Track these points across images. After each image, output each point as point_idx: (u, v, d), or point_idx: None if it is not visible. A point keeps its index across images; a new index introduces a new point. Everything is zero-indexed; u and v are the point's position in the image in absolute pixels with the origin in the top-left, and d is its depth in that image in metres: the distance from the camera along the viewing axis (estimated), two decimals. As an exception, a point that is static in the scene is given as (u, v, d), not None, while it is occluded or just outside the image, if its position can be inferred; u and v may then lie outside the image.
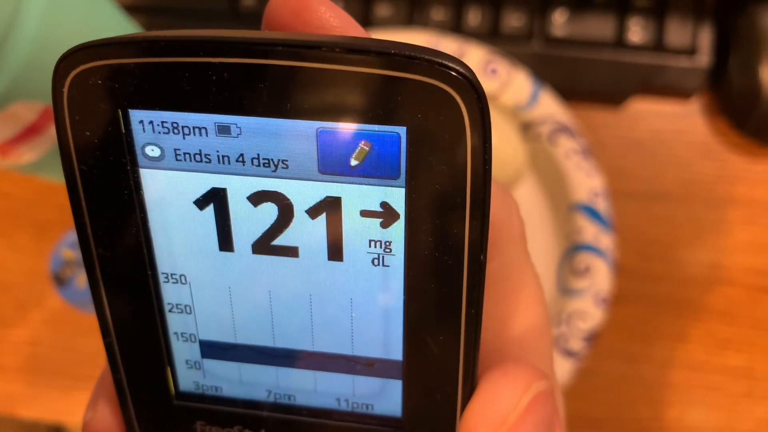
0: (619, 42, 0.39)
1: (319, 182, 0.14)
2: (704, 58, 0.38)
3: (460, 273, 0.14)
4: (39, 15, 0.25)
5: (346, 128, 0.13)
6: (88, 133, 0.14)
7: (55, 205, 0.42)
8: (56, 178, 0.35)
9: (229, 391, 0.17)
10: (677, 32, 0.38)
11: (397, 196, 0.14)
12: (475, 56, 0.36)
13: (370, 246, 0.14)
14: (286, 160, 0.14)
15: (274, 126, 0.14)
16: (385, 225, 0.14)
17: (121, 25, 0.32)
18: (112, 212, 0.15)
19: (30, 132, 0.28)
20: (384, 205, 0.14)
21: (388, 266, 0.15)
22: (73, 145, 0.14)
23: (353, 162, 0.14)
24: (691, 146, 0.39)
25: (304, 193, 0.14)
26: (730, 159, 0.39)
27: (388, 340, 0.15)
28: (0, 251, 0.42)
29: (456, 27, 0.39)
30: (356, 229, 0.14)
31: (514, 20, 0.39)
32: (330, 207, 0.14)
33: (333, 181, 0.14)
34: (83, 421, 0.17)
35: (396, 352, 0.15)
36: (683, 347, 0.38)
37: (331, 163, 0.14)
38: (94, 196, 0.15)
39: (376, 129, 0.13)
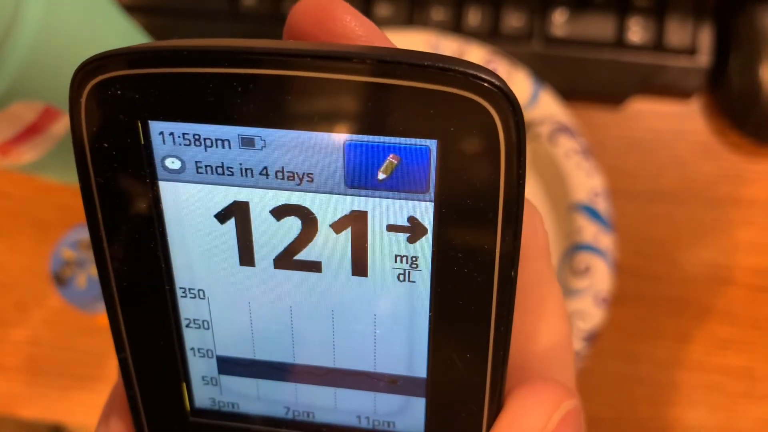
0: (619, 42, 0.38)
1: (345, 196, 0.14)
2: (704, 58, 0.38)
3: (490, 289, 0.14)
4: (39, 15, 0.25)
5: (375, 141, 0.13)
6: (105, 145, 0.14)
7: (55, 205, 0.42)
8: (56, 178, 0.35)
9: (246, 407, 0.16)
10: (677, 32, 0.38)
11: (425, 211, 0.13)
12: (475, 56, 0.36)
13: (396, 261, 0.14)
14: (312, 174, 0.13)
15: (300, 139, 0.13)
16: (412, 240, 0.14)
17: (122, 25, 0.32)
18: (130, 225, 0.14)
19: (30, 132, 0.28)
20: (411, 219, 0.14)
21: (414, 282, 0.14)
22: (90, 156, 0.14)
23: (381, 175, 0.13)
24: (691, 146, 0.39)
25: (329, 206, 0.14)
26: (730, 159, 0.39)
27: (412, 357, 0.15)
28: (0, 251, 0.42)
29: (456, 27, 0.39)
30: (382, 244, 0.14)
31: (514, 20, 0.39)
32: (355, 221, 0.14)
33: (359, 195, 0.14)
34: None
35: (420, 370, 0.15)
36: (683, 347, 0.38)
37: (358, 177, 0.13)
38: (111, 208, 0.14)
39: (406, 142, 0.13)
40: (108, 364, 0.40)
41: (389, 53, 0.13)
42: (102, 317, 0.37)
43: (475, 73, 0.12)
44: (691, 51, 0.38)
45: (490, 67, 0.35)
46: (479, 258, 0.14)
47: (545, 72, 0.38)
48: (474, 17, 0.39)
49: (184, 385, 0.16)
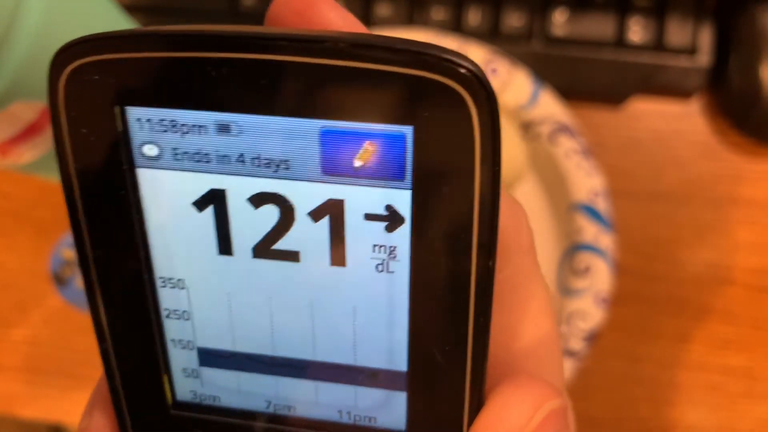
0: (620, 42, 0.38)
1: (322, 184, 0.13)
2: (704, 57, 0.38)
3: (468, 280, 0.13)
4: (39, 14, 0.25)
5: (351, 127, 0.13)
6: (84, 131, 0.14)
7: (55, 204, 0.42)
8: (56, 178, 0.35)
9: (227, 400, 0.16)
10: (677, 32, 0.38)
11: (402, 199, 0.13)
12: (475, 56, 0.36)
13: (374, 251, 0.14)
14: (288, 161, 0.13)
15: (276, 124, 0.13)
16: (390, 229, 0.14)
17: (122, 25, 0.32)
18: (109, 212, 0.14)
19: (30, 132, 0.28)
20: (389, 208, 0.13)
21: (392, 272, 0.14)
22: (69, 142, 0.14)
23: (357, 163, 0.13)
24: (692, 146, 0.39)
25: (306, 194, 0.14)
26: (730, 158, 0.39)
27: (392, 350, 0.15)
28: (0, 251, 0.42)
29: (456, 27, 0.39)
30: (360, 234, 0.14)
31: (514, 20, 0.39)
32: (333, 210, 0.14)
33: (336, 183, 0.13)
34: (78, 429, 0.16)
35: (401, 363, 0.15)
36: (683, 347, 0.38)
37: (335, 164, 0.13)
38: (90, 195, 0.14)
39: (382, 128, 0.13)
40: (108, 364, 0.40)
41: (362, 38, 0.12)
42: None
43: (449, 57, 0.12)
44: (692, 51, 0.38)
45: (490, 66, 0.35)
46: (456, 248, 0.13)
47: (545, 72, 0.38)
48: (474, 17, 0.39)
49: (166, 377, 0.16)
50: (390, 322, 0.14)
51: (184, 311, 0.15)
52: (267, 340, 0.15)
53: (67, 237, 0.35)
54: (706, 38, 0.38)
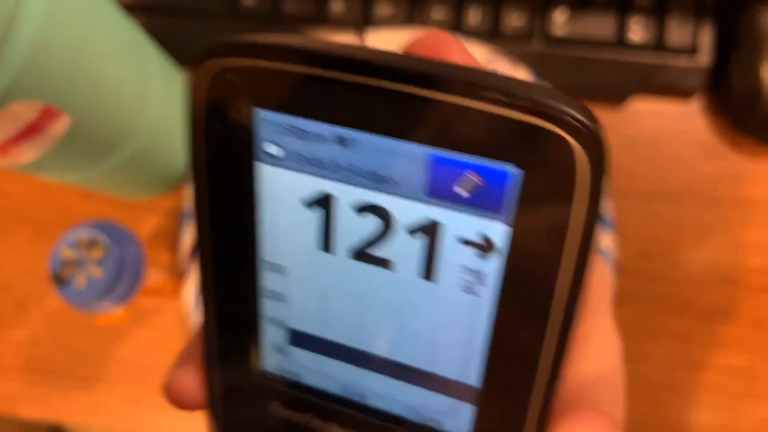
0: (620, 41, 0.38)
1: (423, 204, 0.15)
2: (705, 57, 0.38)
3: (548, 319, 0.14)
4: (39, 14, 0.25)
5: (459, 158, 0.14)
6: (218, 123, 0.15)
7: (55, 204, 0.42)
8: (56, 178, 0.34)
9: (307, 379, 0.18)
10: (678, 31, 0.38)
11: (497, 231, 0.14)
12: (475, 55, 0.36)
13: (463, 273, 0.15)
14: (395, 179, 0.14)
15: (389, 145, 0.14)
16: (481, 256, 0.15)
17: (120, 25, 0.32)
18: (230, 195, 0.16)
19: (29, 131, 0.28)
20: (484, 237, 0.14)
21: (479, 296, 0.15)
22: (204, 130, 0.15)
23: (459, 191, 0.14)
24: (692, 146, 0.39)
25: (407, 211, 0.15)
26: (730, 158, 0.39)
27: (466, 365, 0.16)
28: (0, 251, 0.42)
29: (456, 26, 0.39)
30: (452, 255, 0.15)
31: (514, 19, 0.39)
32: (430, 229, 0.15)
33: (437, 205, 0.14)
34: (167, 378, 0.18)
35: (472, 378, 0.16)
36: (684, 347, 0.38)
37: (438, 188, 0.14)
38: (215, 179, 0.16)
39: (489, 163, 0.14)
40: (108, 364, 0.40)
41: (482, 78, 0.13)
42: (101, 317, 0.37)
43: (567, 110, 0.13)
44: (692, 50, 0.38)
45: (490, 66, 0.35)
46: (542, 287, 0.14)
47: (546, 71, 0.38)
48: (474, 16, 0.39)
49: (256, 348, 0.18)
50: (469, 340, 0.15)
51: (282, 294, 0.17)
52: (352, 333, 0.17)
53: (67, 236, 0.35)
54: (706, 38, 0.38)
